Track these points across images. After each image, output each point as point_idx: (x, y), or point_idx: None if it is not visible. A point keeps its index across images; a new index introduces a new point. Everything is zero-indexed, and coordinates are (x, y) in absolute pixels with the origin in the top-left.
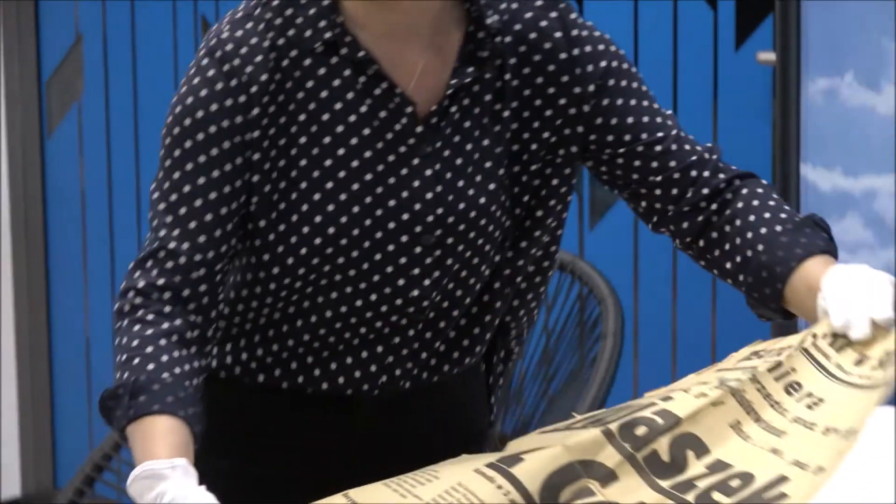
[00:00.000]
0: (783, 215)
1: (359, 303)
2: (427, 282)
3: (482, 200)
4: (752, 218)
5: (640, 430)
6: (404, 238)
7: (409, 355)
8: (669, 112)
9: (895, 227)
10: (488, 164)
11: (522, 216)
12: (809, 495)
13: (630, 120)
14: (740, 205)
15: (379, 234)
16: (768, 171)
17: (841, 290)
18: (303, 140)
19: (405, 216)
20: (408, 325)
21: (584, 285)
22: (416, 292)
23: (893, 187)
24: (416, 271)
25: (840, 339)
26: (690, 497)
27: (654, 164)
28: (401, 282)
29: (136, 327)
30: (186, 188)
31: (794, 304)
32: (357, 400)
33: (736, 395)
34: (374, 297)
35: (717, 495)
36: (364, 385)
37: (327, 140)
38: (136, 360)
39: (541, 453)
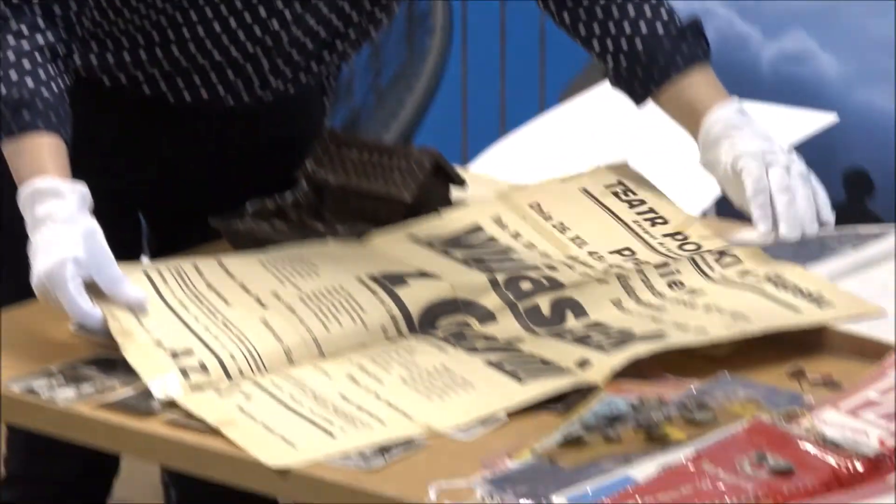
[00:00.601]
0: (665, 17)
1: (218, 28)
2: (289, 15)
3: None
4: (632, 12)
5: (525, 285)
6: None
7: (260, 82)
8: None
9: None
10: None
11: None
12: (688, 345)
13: None
14: None
15: None
16: None
17: (757, 176)
18: None
19: None
20: (263, 54)
21: None
22: (276, 24)
23: None
24: (280, 4)
25: (726, 258)
26: (568, 337)
27: None
28: (263, 13)
29: (10, 39)
30: None
31: (666, 107)
32: (200, 113)
33: (620, 279)
34: (234, 24)
35: (596, 335)
36: (209, 102)
37: None
38: (14, 74)
39: (426, 282)
